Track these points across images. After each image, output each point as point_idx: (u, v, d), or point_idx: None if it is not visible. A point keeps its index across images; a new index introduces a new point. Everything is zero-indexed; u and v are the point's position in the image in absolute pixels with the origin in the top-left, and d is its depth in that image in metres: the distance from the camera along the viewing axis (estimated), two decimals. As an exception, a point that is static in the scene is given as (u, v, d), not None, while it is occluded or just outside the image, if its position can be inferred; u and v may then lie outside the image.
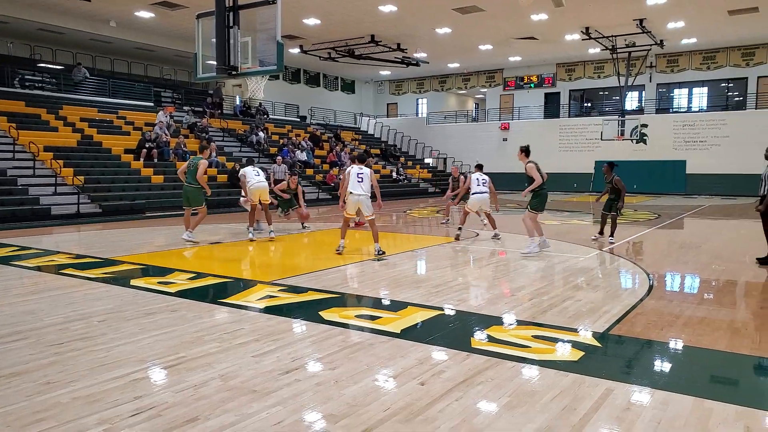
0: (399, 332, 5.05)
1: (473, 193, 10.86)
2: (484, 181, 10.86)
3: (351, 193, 8.89)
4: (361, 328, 5.19)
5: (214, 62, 8.49)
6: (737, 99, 29.11)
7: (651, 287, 6.95)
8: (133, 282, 7.13)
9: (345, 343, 4.76)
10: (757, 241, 8.99)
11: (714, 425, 3.31)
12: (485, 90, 35.46)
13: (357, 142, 32.09)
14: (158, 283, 7.10)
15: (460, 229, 11.51)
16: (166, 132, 21.50)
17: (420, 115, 37.51)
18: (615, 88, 29.18)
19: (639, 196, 26.80)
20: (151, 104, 25.00)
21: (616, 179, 10.31)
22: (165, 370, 4.15)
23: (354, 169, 8.90)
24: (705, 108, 29.90)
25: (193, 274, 7.65)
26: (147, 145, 19.79)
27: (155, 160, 19.84)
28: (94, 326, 5.24)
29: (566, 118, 32.12)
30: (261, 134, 25.82)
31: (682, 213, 17.94)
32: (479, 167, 11.19)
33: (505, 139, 32.71)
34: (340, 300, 6.35)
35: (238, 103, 28.57)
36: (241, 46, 8.09)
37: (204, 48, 9.02)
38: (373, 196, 9.19)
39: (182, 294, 6.52)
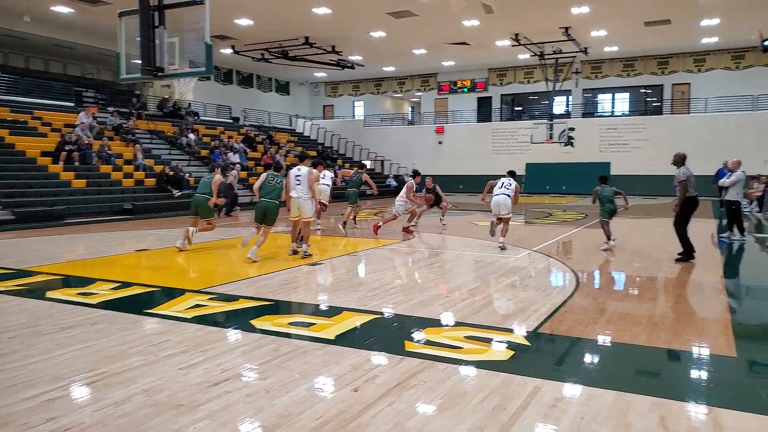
0: (333, 338, 5.01)
1: (495, 195, 10.43)
2: (509, 184, 10.42)
3: (290, 196, 8.92)
4: (295, 336, 5.09)
5: (140, 62, 8.12)
6: (655, 104, 30.42)
7: (578, 285, 7.14)
8: (49, 294, 6.73)
9: (277, 351, 4.67)
10: (675, 238, 9.32)
11: (632, 417, 3.45)
12: (420, 93, 35.66)
13: (292, 144, 31.60)
14: (78, 294, 6.73)
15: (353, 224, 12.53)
16: (89, 134, 20.48)
17: (356, 118, 37.40)
18: (544, 93, 30.00)
19: (568, 196, 27.62)
20: (72, 104, 23.66)
21: (616, 191, 10.33)
22: (83, 387, 3.92)
23: (293, 171, 8.89)
24: (627, 113, 31.33)
25: (117, 284, 7.30)
26: (67, 148, 18.75)
27: (76, 164, 18.84)
28: (4, 343, 4.90)
29: (498, 121, 32.76)
30: (191, 136, 25.07)
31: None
32: (511, 173, 10.69)
33: (440, 142, 33.12)
34: (274, 307, 6.23)
35: (168, 104, 27.46)
36: (167, 47, 7.80)
37: (128, 47, 8.64)
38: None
39: (104, 305, 6.21)
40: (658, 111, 30.05)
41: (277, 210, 9.05)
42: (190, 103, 28.13)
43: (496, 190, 10.31)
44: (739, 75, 27.91)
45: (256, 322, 5.49)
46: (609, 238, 10.33)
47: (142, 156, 20.76)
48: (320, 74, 34.31)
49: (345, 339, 5.01)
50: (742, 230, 11.35)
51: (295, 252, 9.06)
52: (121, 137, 22.29)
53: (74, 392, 3.84)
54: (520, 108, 34.17)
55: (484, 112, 33.30)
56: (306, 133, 35.48)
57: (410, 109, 41.17)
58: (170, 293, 6.83)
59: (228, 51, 27.55)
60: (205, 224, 10.20)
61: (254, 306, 6.14)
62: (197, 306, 6.18)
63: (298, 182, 8.86)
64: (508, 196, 9.99)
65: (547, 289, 6.88)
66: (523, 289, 6.84)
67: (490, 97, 33.44)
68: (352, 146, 34.88)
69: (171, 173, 20.00)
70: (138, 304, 6.38)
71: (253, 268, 8.54)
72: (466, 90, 33.76)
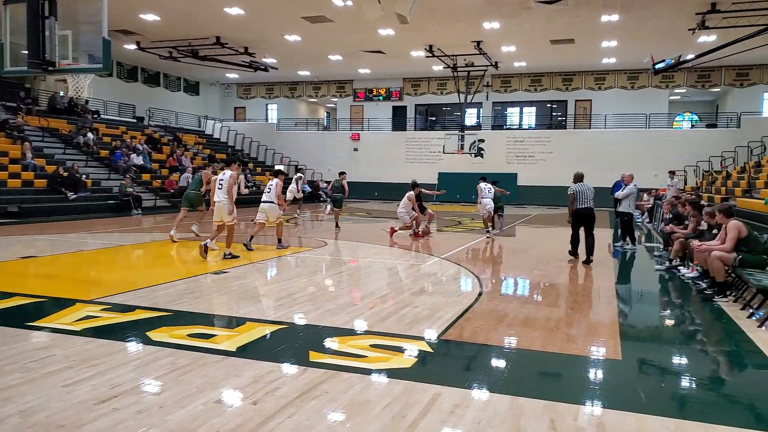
0: (235, 350, 4.84)
1: (483, 198, 13.71)
2: (489, 189, 13.93)
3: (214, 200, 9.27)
4: (194, 348, 4.86)
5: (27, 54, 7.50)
6: (560, 119, 31.48)
7: (481, 292, 7.32)
8: None
9: (174, 365, 4.44)
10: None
11: (525, 420, 3.59)
12: (336, 100, 35.41)
13: (201, 146, 30.42)
14: (-50, 306, 6.06)
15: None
16: (-31, 129, 18.68)
17: (270, 121, 36.75)
18: (456, 105, 30.40)
19: (477, 206, 28.11)
20: (-51, 96, 21.44)
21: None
22: (-53, 410, 3.52)
23: (218, 176, 9.14)
24: (533, 126, 32.17)
25: (-2, 294, 6.63)
26: (-57, 144, 16.96)
27: (-46, 161, 17.12)
28: None
29: (412, 131, 32.96)
30: (90, 135, 23.55)
31: (514, 222, 18.73)
32: (484, 179, 14.08)
33: (356, 149, 33.06)
34: (173, 318, 5.92)
35: (62, 100, 25.60)
36: (59, 39, 7.25)
37: (15, 37, 7.94)
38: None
39: (-20, 318, 5.60)
40: (562, 125, 31.19)
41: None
42: (87, 100, 26.27)
43: (485, 195, 13.48)
44: (633, 94, 29.36)
45: (153, 334, 5.22)
46: (491, 229, 13.53)
47: (31, 155, 19.24)
48: (232, 75, 33.32)
49: (247, 350, 4.86)
50: (633, 240, 11.82)
51: (231, 255, 9.20)
52: (6, 134, 20.52)
53: (-65, 417, 3.45)
54: (434, 118, 34.49)
55: (399, 120, 33.44)
56: (216, 135, 34.41)
57: (326, 114, 40.89)
58: (59, 304, 6.33)
59: (132, 47, 26.14)
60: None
61: (151, 317, 5.83)
62: (88, 317, 5.78)
63: (219, 186, 8.98)
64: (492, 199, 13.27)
65: (452, 296, 6.97)
66: (430, 295, 6.90)
67: (405, 106, 33.60)
68: (264, 150, 34.14)
69: (65, 174, 18.69)
70: (20, 317, 5.86)
71: (156, 275, 8.10)
72: (381, 98, 33.82)
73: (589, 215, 9.81)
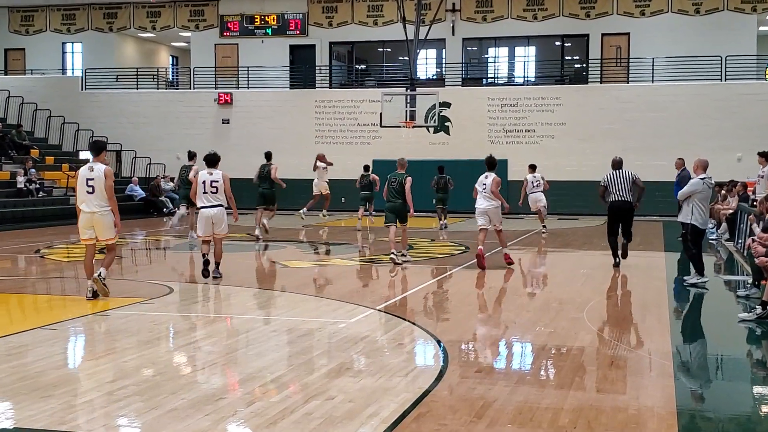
0: None
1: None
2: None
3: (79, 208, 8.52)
4: None
5: None
6: (577, 67, 24.58)
7: (444, 366, 5.71)
8: None
9: None
10: (601, 282, 9.49)
11: None
12: (189, 34, 26.54)
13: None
14: None
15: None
16: None
17: (70, 72, 27.95)
18: (400, 44, 22.02)
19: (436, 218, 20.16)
20: None
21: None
22: None
23: (82, 171, 7.96)
24: (532, 79, 24.53)
25: None
26: None
27: None
28: None
29: (325, 88, 24.89)
30: None
31: (497, 244, 14.09)
32: (491, 163, 11.61)
33: (226, 121, 24.50)
34: None
35: None
36: None
37: None
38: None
39: None
40: (580, 78, 23.75)
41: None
42: None
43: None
44: (698, 23, 22.15)
45: None
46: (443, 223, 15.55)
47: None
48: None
49: None
50: (700, 268, 10.10)
51: (94, 294, 7.84)
52: None
53: None
54: (363, 66, 27.28)
55: (301, 71, 25.51)
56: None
57: (171, 61, 31.28)
58: None
59: None
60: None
61: None
62: None
63: (90, 188, 7.77)
64: (491, 200, 10.87)
65: (396, 376, 5.34)
66: (358, 376, 5.33)
67: (313, 45, 25.20)
68: (60, 125, 24.68)
69: None
70: None
71: None
72: (270, 32, 25.36)
73: (627, 209, 10.07)
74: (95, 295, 7.74)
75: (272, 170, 13.51)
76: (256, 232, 13.38)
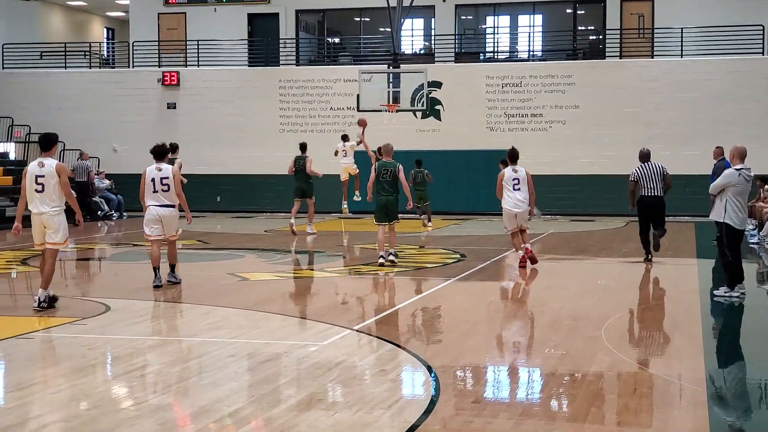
0: None
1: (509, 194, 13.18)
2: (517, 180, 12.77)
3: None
4: None
5: None
6: (592, 40, 22.93)
7: (435, 396, 5.42)
8: None
9: None
10: (620, 295, 9.17)
11: None
12: (127, 2, 24.76)
13: None
14: None
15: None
16: None
17: None
18: (381, 11, 19.99)
19: (434, 216, 19.44)
20: None
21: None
22: None
23: (31, 167, 7.93)
24: (540, 54, 22.61)
25: None
26: None
27: None
28: None
29: (292, 65, 23.08)
30: None
31: (501, 249, 13.98)
32: (512, 156, 11.33)
33: (172, 105, 22.38)
34: None
35: None
36: None
37: None
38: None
39: None
40: (596, 51, 22.03)
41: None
42: None
43: (506, 193, 11.17)
44: None
45: None
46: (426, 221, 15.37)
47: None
48: None
49: None
50: (736, 278, 9.56)
51: (43, 303, 7.79)
52: None
53: None
54: (336, 40, 25.42)
55: (262, 44, 23.65)
56: None
57: (106, 34, 29.27)
58: None
59: None
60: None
61: None
62: None
63: (40, 186, 7.67)
64: (522, 202, 10.90)
65: (377, 408, 5.07)
66: (332, 410, 5.09)
67: (276, 14, 23.24)
68: None
69: None
70: None
71: None
72: None
73: (658, 204, 10.25)
74: (43, 304, 7.79)
75: (308, 163, 13.91)
76: (291, 220, 14.18)
